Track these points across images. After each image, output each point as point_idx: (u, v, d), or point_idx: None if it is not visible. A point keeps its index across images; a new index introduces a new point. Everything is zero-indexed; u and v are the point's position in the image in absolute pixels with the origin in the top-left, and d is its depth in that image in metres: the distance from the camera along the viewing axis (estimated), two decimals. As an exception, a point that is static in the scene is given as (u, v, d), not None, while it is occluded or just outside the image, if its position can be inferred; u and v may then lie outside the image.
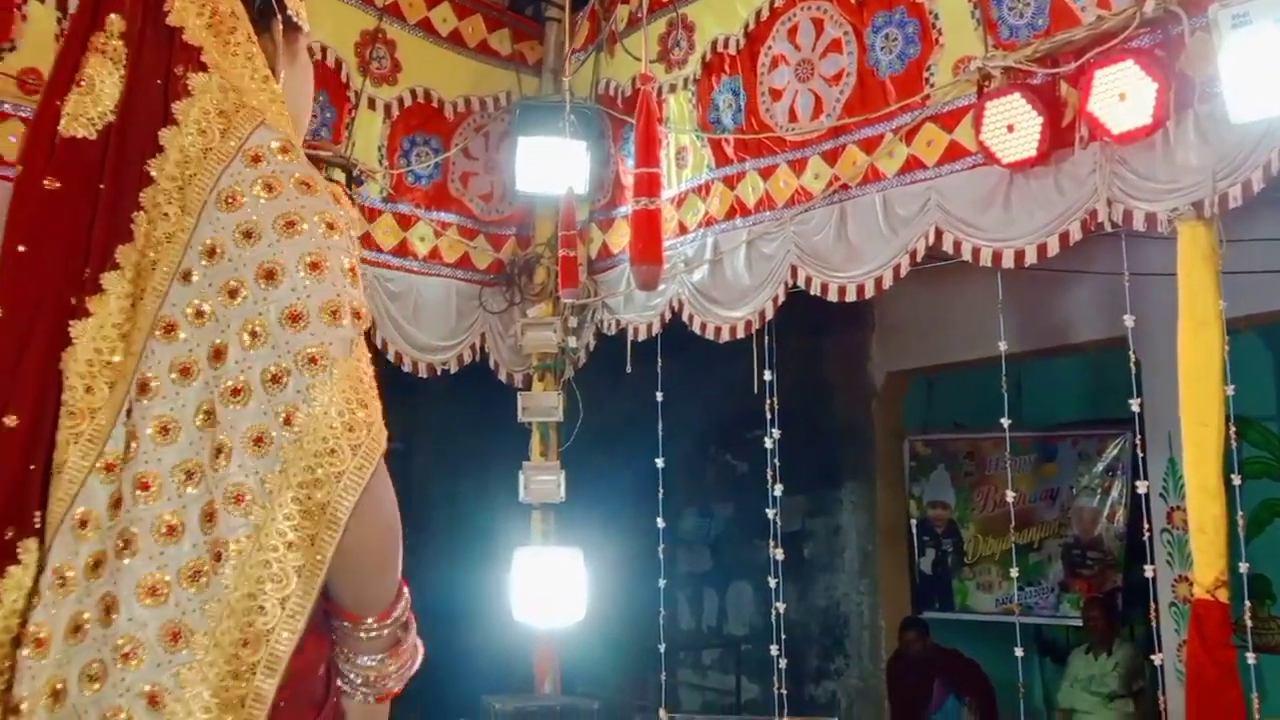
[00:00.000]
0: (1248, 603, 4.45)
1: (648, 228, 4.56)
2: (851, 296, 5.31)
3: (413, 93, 6.27)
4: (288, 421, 1.43)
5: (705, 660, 9.83)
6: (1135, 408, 4.72)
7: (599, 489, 7.12)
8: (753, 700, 8.68)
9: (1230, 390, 4.34)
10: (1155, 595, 5.00)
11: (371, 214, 6.06)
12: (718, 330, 5.78)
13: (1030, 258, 4.74)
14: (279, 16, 1.78)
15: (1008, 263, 4.80)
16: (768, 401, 5.68)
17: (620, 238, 6.33)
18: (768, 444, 5.70)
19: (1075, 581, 8.32)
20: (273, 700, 1.42)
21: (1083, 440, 8.44)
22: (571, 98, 5.99)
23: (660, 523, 6.13)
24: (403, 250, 6.23)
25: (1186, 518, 4.54)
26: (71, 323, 1.53)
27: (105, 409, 1.52)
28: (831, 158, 5.35)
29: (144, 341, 1.51)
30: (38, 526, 1.50)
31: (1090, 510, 8.31)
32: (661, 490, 6.07)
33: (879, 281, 5.18)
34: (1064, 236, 4.64)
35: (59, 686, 1.43)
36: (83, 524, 1.48)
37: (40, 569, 1.49)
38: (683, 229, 5.96)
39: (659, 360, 6.06)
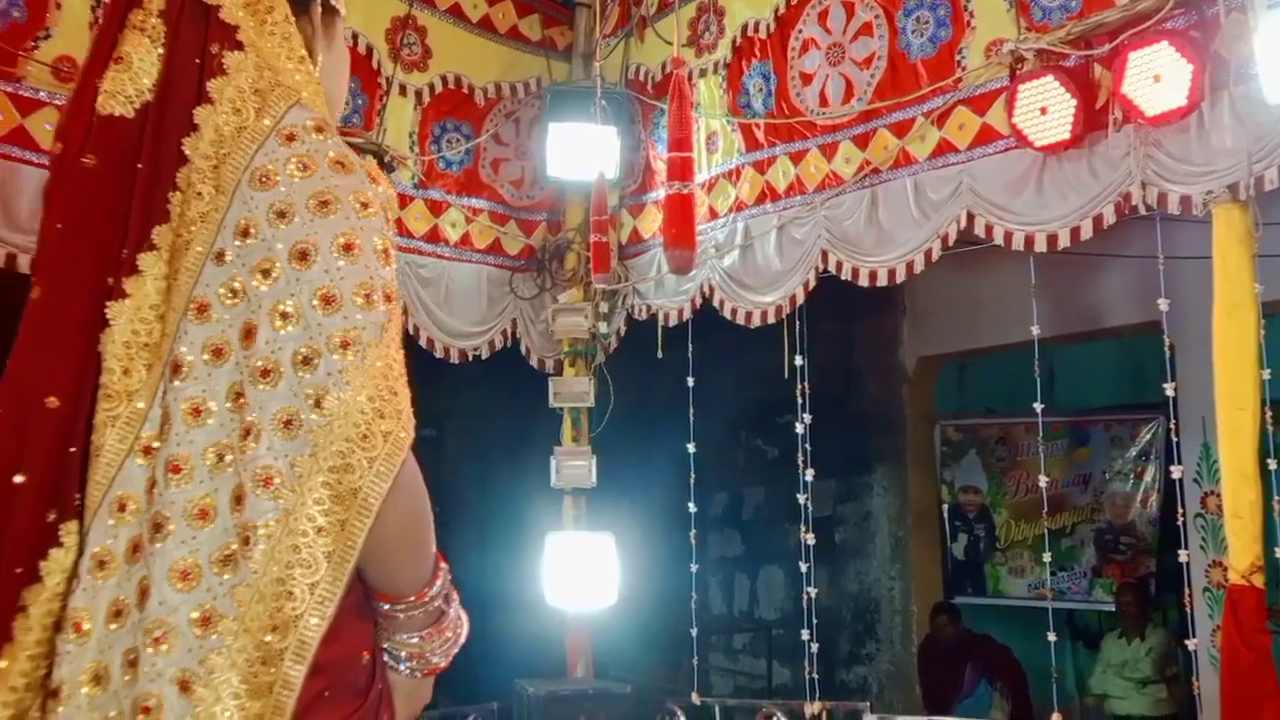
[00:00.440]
0: (1283, 588, 4.42)
1: (681, 212, 4.57)
2: (882, 281, 5.30)
3: (443, 79, 6.28)
4: (318, 404, 1.42)
5: (736, 644, 9.85)
6: (1169, 392, 4.69)
7: (630, 474, 7.14)
8: (784, 685, 8.70)
9: (1266, 374, 4.31)
10: (1189, 581, 4.97)
11: (403, 200, 6.08)
12: (748, 315, 5.78)
13: (1063, 241, 4.72)
14: (317, 1, 1.77)
15: (1040, 246, 4.78)
16: (798, 386, 5.68)
17: (651, 223, 6.33)
18: (798, 429, 5.70)
19: (1108, 567, 8.28)
20: (302, 686, 1.41)
21: (1116, 425, 8.39)
22: (602, 83, 5.99)
23: (691, 507, 6.14)
24: (434, 236, 6.25)
25: (1220, 503, 4.52)
26: (109, 304, 1.52)
27: (142, 391, 1.51)
28: (862, 142, 5.33)
29: (178, 322, 1.50)
30: (78, 508, 1.50)
31: (1123, 495, 8.26)
32: (693, 475, 6.08)
33: (910, 266, 5.17)
34: (1097, 220, 4.61)
35: (101, 672, 1.43)
36: (121, 508, 1.48)
37: (80, 552, 1.48)
38: (713, 214, 5.96)
39: (690, 345, 6.07)
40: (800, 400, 5.66)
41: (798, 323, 5.66)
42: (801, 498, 5.71)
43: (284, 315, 1.44)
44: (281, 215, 1.48)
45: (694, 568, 6.20)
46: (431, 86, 6.23)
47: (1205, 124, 4.25)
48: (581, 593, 6.11)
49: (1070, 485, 8.44)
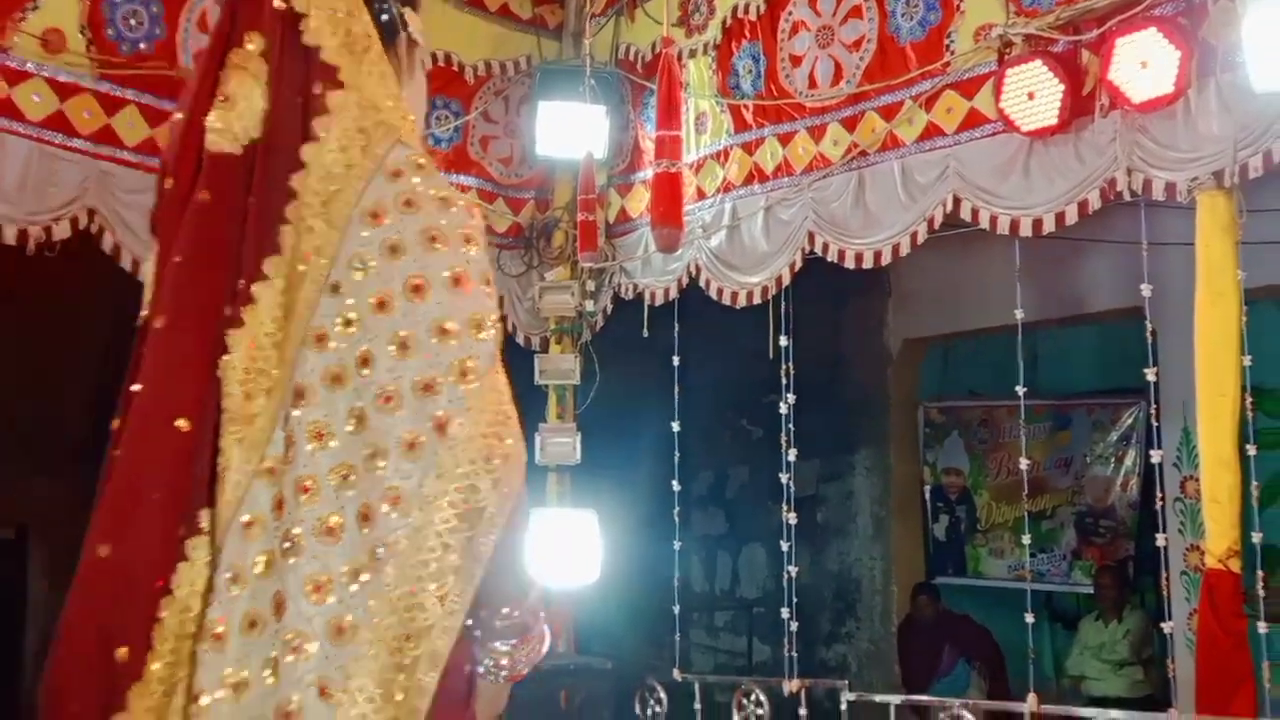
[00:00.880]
0: (1260, 572, 4.46)
1: (669, 190, 4.59)
2: (868, 263, 5.32)
3: (433, 56, 6.25)
4: (441, 430, 1.54)
5: (718, 622, 9.89)
6: (1151, 377, 4.73)
7: (615, 452, 7.15)
8: (764, 662, 8.74)
9: (1247, 360, 4.35)
10: (1167, 564, 5.03)
11: (392, 176, 6.06)
12: (734, 296, 5.79)
13: (1048, 226, 4.74)
14: (403, 34, 1.87)
15: (1025, 231, 4.81)
16: (783, 367, 5.70)
17: (638, 202, 6.34)
18: (783, 409, 5.73)
19: (1087, 549, 8.35)
20: (434, 693, 1.52)
21: (1097, 409, 8.45)
22: (591, 62, 5.98)
23: (675, 485, 6.17)
24: (422, 213, 6.23)
25: (1200, 487, 4.57)
26: (229, 332, 1.60)
27: (264, 415, 1.59)
28: (851, 124, 5.35)
29: (297, 350, 1.59)
30: (203, 528, 1.57)
31: (1104, 479, 8.32)
32: (677, 453, 6.11)
33: (896, 248, 5.19)
34: (1083, 205, 4.63)
35: (241, 679, 1.52)
36: (249, 526, 1.57)
37: (212, 567, 1.56)
38: (701, 194, 5.96)
39: (676, 325, 6.08)
40: (785, 381, 5.69)
41: (783, 304, 5.68)
42: (784, 477, 5.74)
43: (403, 346, 1.56)
44: (394, 250, 1.60)
45: (677, 545, 6.23)
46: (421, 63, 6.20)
47: (1191, 111, 4.28)
48: (564, 569, 6.13)
49: (1051, 468, 8.50)
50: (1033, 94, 4.56)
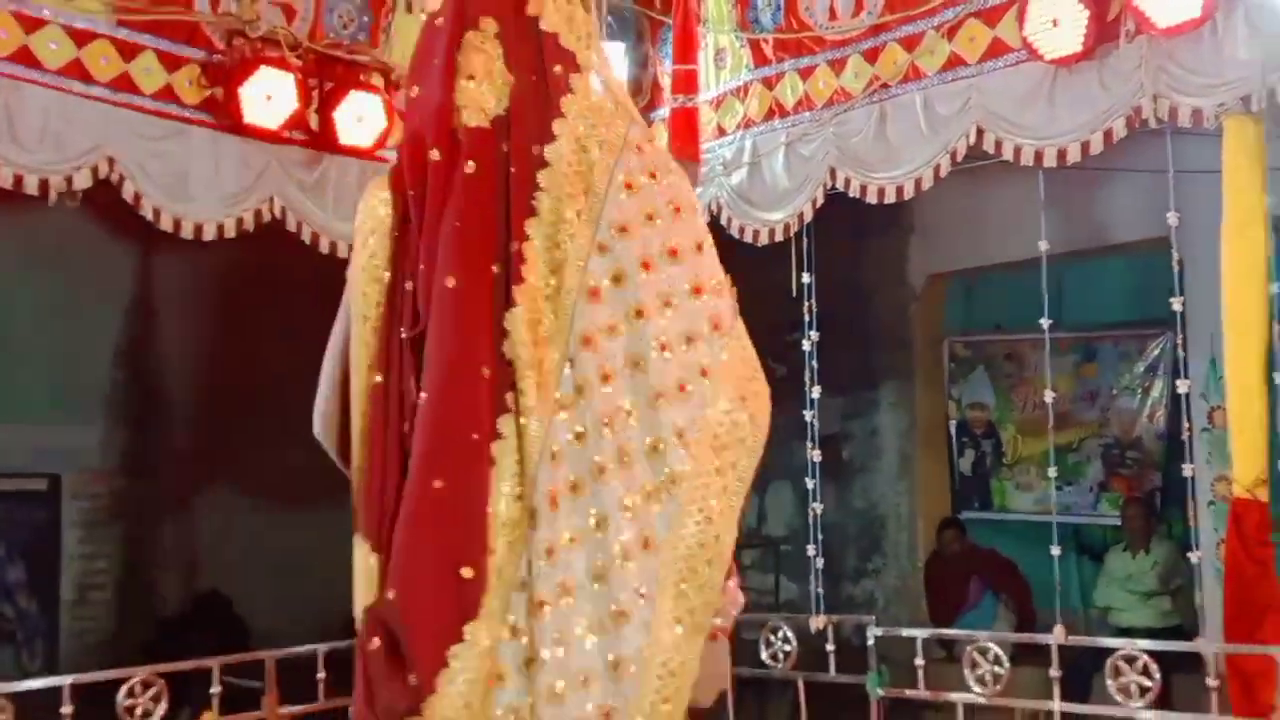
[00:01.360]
0: (1287, 500, 4.45)
1: (686, 125, 4.56)
2: (890, 198, 5.28)
3: (448, -3, 6.21)
4: (704, 374, 1.85)
5: (745, 560, 9.92)
6: (1177, 307, 4.70)
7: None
8: (790, 600, 8.78)
9: (1274, 289, 4.32)
10: (1194, 494, 5.01)
11: (409, 119, 6.03)
12: (756, 233, 5.76)
13: (1073, 156, 4.70)
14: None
15: (1049, 162, 4.76)
16: (806, 304, 5.68)
17: (659, 140, 6.29)
18: (806, 346, 5.71)
19: (1114, 481, 8.34)
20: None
21: (1124, 340, 8.40)
22: (608, -1, 5.93)
23: (699, 425, 6.16)
24: (442, 155, 6.21)
25: (1227, 417, 4.54)
26: (515, 288, 1.87)
27: (549, 360, 1.86)
28: (871, 56, 5.29)
29: (573, 304, 1.87)
30: (501, 435, 1.87)
31: (1130, 410, 8.29)
32: (701, 393, 6.10)
33: (918, 182, 5.15)
34: (1108, 134, 4.59)
35: (569, 585, 1.85)
36: (555, 455, 1.88)
37: (523, 496, 1.87)
38: (721, 131, 5.91)
39: (697, 263, 6.05)
40: (808, 318, 5.67)
41: (805, 240, 5.65)
42: (809, 415, 5.74)
43: (667, 303, 1.87)
44: (649, 218, 1.90)
45: (703, 484, 6.23)
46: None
47: (1218, 34, 4.22)
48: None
49: (1078, 401, 8.47)
50: (1057, 21, 4.51)
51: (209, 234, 5.19)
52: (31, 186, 4.67)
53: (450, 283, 1.86)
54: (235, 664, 4.97)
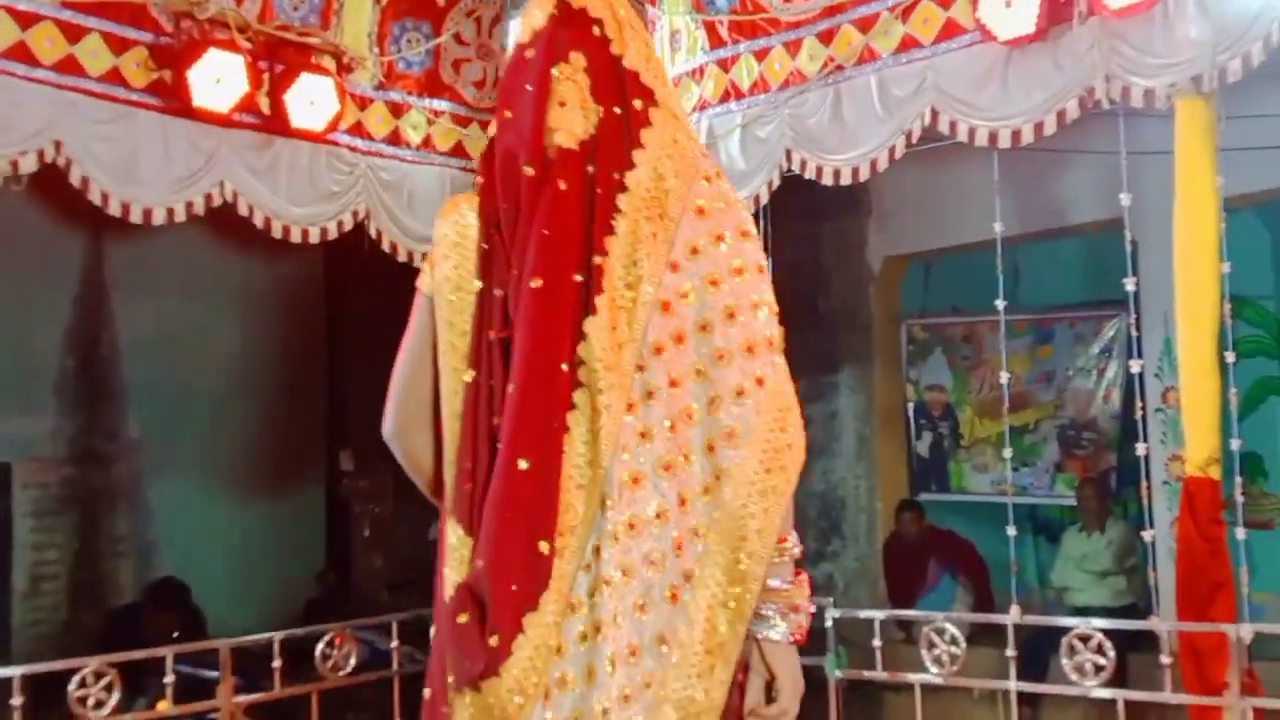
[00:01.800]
0: (1239, 479, 4.48)
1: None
2: (846, 179, 5.28)
3: (402, -23, 6.16)
4: (759, 382, 2.01)
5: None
6: (1130, 287, 4.73)
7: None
8: (751, 582, 8.81)
9: (1226, 268, 4.35)
10: (1148, 474, 5.05)
11: (363, 103, 5.97)
12: (713, 215, 5.73)
13: (1027, 137, 4.71)
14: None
15: (1004, 143, 4.77)
16: (764, 287, 5.66)
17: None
18: (764, 329, 5.70)
19: (1070, 462, 8.39)
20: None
21: (1080, 322, 8.44)
22: (563, -21, 5.87)
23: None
24: (395, 139, 6.15)
25: (1180, 397, 4.58)
26: (594, 297, 2.00)
27: (624, 364, 2.00)
28: (827, 38, 5.28)
29: (647, 316, 2.01)
30: (570, 428, 2.00)
31: (1086, 391, 8.34)
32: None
33: (874, 164, 5.15)
34: (1061, 115, 4.60)
35: (631, 566, 1.98)
36: (623, 450, 2.00)
37: (597, 485, 1.99)
38: (677, 113, 5.88)
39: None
40: (765, 300, 5.65)
41: (762, 222, 5.63)
42: (767, 397, 5.72)
43: (730, 316, 2.03)
44: (718, 240, 2.06)
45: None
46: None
47: (1169, 15, 4.24)
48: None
49: (1034, 382, 8.51)
50: (1010, 2, 4.51)
51: (159, 218, 5.13)
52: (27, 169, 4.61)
53: (535, 284, 2.01)
54: (190, 653, 4.92)
